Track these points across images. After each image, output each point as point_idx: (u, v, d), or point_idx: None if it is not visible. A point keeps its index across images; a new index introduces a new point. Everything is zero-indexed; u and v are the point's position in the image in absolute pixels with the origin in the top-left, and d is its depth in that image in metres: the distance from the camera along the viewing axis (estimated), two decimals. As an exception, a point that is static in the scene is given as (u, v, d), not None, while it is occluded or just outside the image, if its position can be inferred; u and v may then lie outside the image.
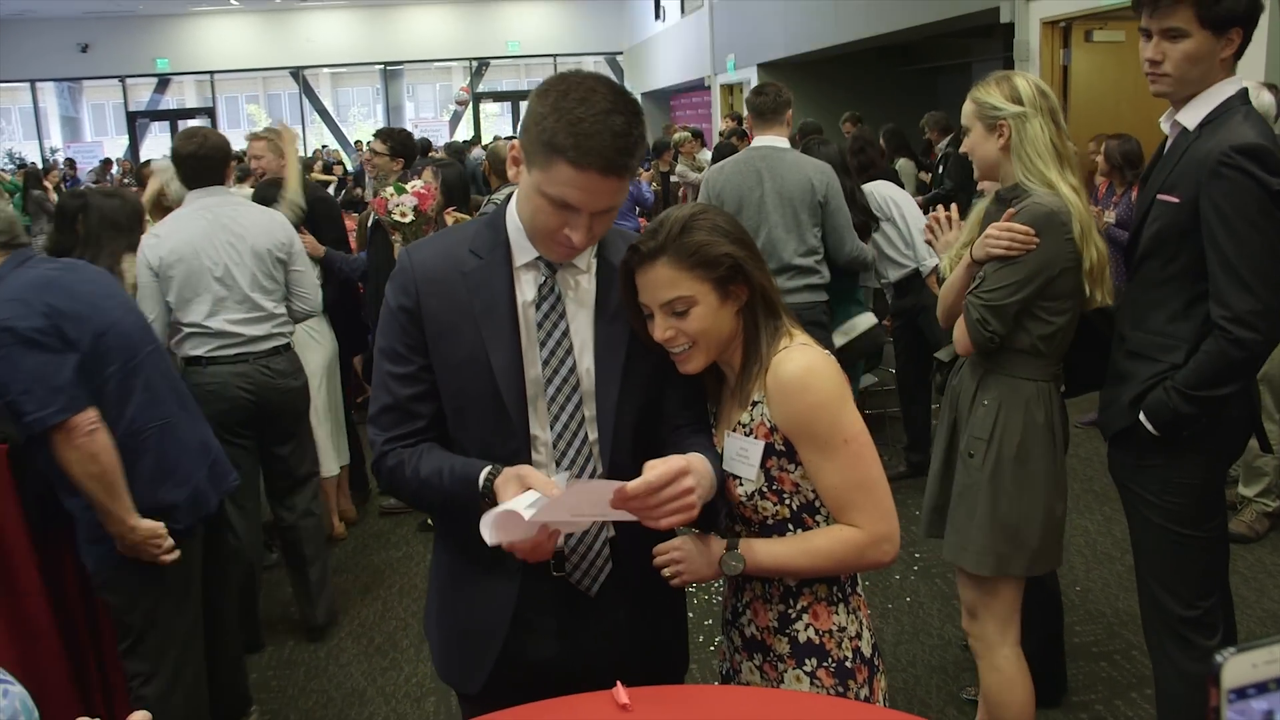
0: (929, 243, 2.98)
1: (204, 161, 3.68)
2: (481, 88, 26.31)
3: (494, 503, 1.60)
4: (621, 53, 25.34)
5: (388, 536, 5.00)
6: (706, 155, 11.46)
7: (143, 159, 21.84)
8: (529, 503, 1.52)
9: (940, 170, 9.00)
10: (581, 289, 1.76)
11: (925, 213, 6.29)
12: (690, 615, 3.96)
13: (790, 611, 1.76)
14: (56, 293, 2.46)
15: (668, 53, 20.81)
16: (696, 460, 1.60)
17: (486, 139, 20.30)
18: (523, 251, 1.74)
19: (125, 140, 24.82)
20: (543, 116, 1.57)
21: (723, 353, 1.75)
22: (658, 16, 20.95)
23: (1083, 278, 2.49)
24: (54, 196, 12.55)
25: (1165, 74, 2.34)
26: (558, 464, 1.74)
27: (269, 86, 28.74)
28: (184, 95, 26.95)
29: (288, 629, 4.10)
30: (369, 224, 5.27)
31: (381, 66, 25.73)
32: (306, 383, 3.96)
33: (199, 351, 3.64)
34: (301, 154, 11.98)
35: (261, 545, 3.92)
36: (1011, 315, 2.48)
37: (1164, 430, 2.38)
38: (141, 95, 25.54)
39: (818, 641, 1.74)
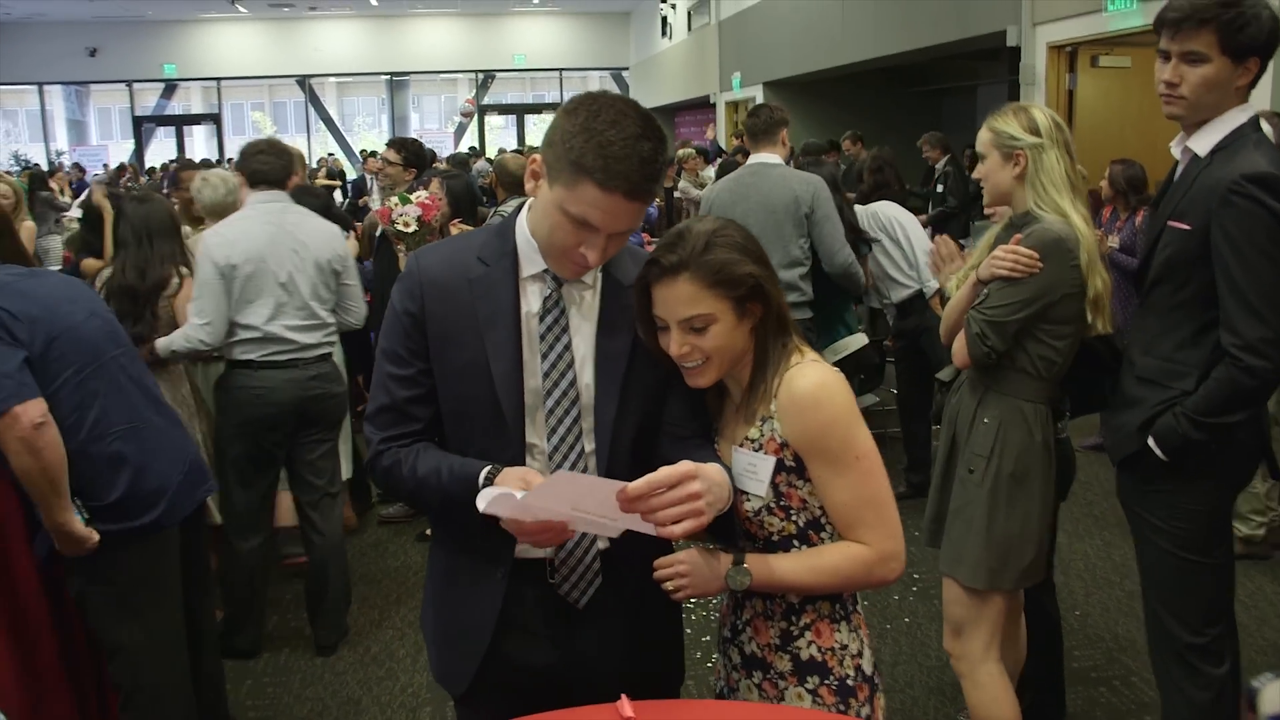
0: (932, 272, 3.05)
1: (270, 165, 3.73)
2: (487, 100, 26.40)
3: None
4: (627, 68, 25.44)
5: (386, 546, 4.99)
6: (710, 172, 11.49)
7: (147, 164, 21.98)
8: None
9: (940, 189, 9.03)
10: (586, 303, 1.76)
11: (930, 231, 6.32)
12: (687, 631, 3.97)
13: (793, 629, 1.75)
14: (8, 296, 2.46)
15: (673, 69, 20.89)
16: (710, 469, 1.59)
17: (491, 152, 20.35)
18: (530, 263, 1.74)
19: (130, 145, 24.90)
20: (571, 135, 1.57)
21: (732, 368, 1.75)
22: (664, 33, 21.03)
23: (1085, 306, 2.56)
24: (63, 198, 12.57)
25: (1181, 97, 2.35)
26: (557, 467, 1.75)
27: (275, 94, 28.84)
28: (190, 101, 27.04)
29: (284, 637, 4.08)
30: (375, 233, 5.29)
31: (387, 77, 25.84)
32: (346, 391, 3.98)
33: (251, 356, 3.64)
34: (308, 164, 12.00)
35: (265, 551, 3.89)
36: (1010, 333, 2.54)
37: (1172, 456, 2.38)
38: (148, 100, 25.63)
39: (820, 659, 1.74)
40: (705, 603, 4.25)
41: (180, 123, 25.68)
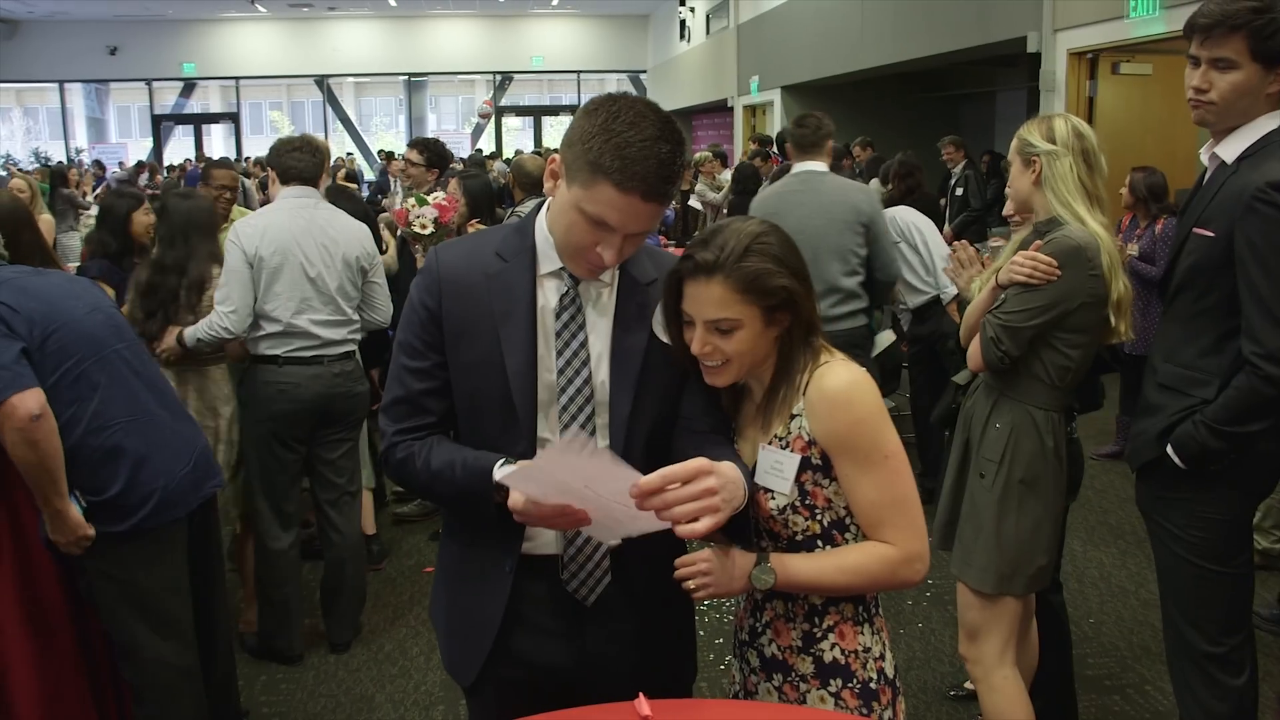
0: (951, 277, 3.06)
1: (304, 162, 3.76)
2: (504, 102, 26.46)
3: (506, 495, 1.62)
4: (645, 71, 25.46)
5: (399, 545, 5.00)
6: (726, 176, 11.48)
7: (166, 162, 22.11)
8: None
9: (961, 192, 9.01)
10: (602, 301, 1.77)
11: (958, 234, 6.31)
12: (700, 633, 3.97)
13: (815, 631, 1.74)
14: (6, 291, 2.48)
15: (691, 73, 20.89)
16: (725, 466, 1.58)
17: (508, 153, 20.39)
18: (548, 260, 1.76)
19: (149, 143, 25.05)
20: (590, 135, 1.59)
21: (753, 371, 1.75)
22: (682, 36, 21.04)
23: (1109, 310, 2.57)
24: (83, 197, 12.65)
25: (1210, 103, 2.34)
26: None
27: (293, 94, 28.98)
28: (209, 100, 27.19)
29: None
30: (397, 236, 5.31)
31: (405, 77, 25.91)
32: (369, 389, 3.99)
33: (276, 351, 3.66)
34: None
35: (298, 553, 3.90)
36: (1025, 339, 2.55)
37: (1191, 464, 2.38)
38: (167, 99, 25.78)
39: (843, 662, 1.73)
40: (718, 604, 4.25)
41: (199, 121, 25.82)
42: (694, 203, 11.54)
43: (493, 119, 26.04)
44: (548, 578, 1.79)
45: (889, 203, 5.47)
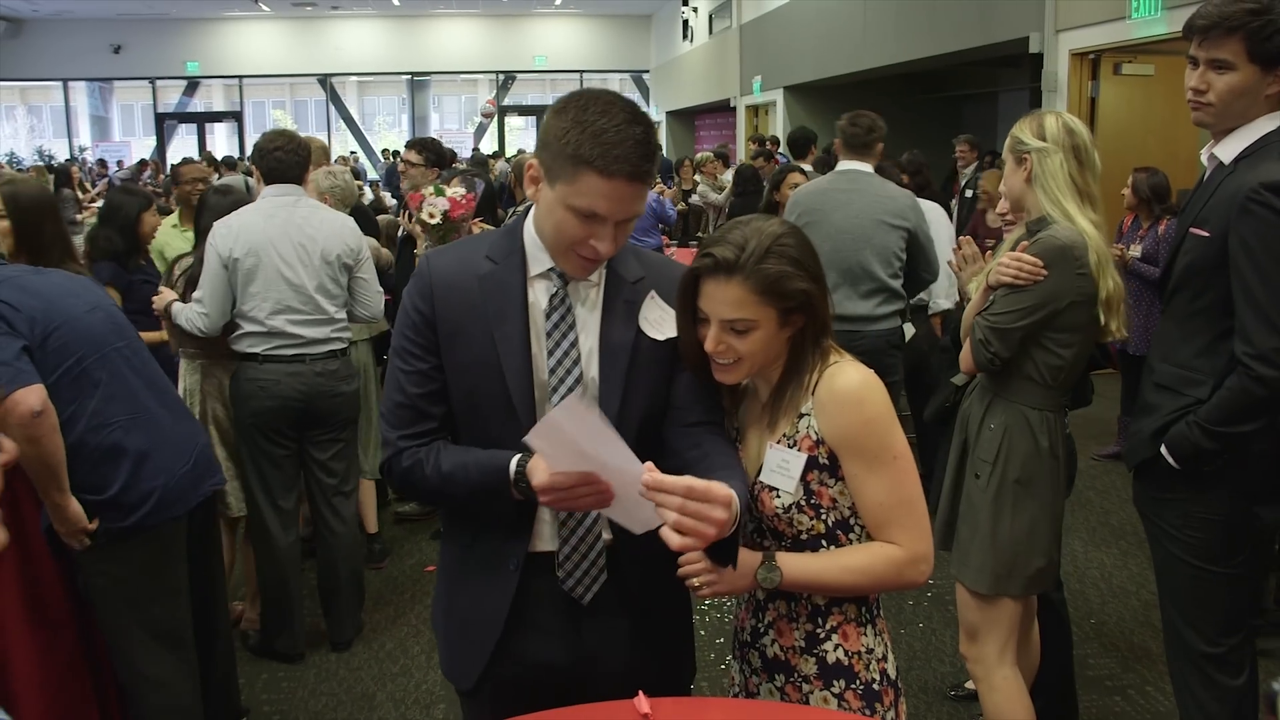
0: (955, 272, 3.05)
1: (286, 159, 3.75)
2: (507, 101, 26.46)
3: (528, 488, 1.63)
4: (648, 71, 25.46)
5: (401, 544, 5.00)
6: (728, 176, 11.49)
7: (170, 160, 22.12)
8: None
9: (971, 194, 9.00)
10: (591, 299, 1.79)
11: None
12: (700, 633, 3.98)
13: (819, 631, 1.75)
14: (7, 289, 2.48)
15: (694, 72, 20.89)
16: (737, 503, 1.54)
17: (510, 152, 20.40)
18: (537, 262, 1.78)
19: (153, 141, 25.06)
20: (565, 131, 1.61)
21: (762, 370, 1.76)
22: (685, 36, 21.03)
23: (1097, 308, 2.56)
24: (81, 195, 12.64)
25: (1208, 104, 2.35)
26: None
27: (296, 93, 28.97)
28: (212, 99, 27.20)
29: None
30: (399, 235, 5.33)
31: (408, 76, 25.92)
32: (358, 389, 3.98)
33: (256, 349, 3.67)
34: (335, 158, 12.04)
35: (299, 551, 3.91)
36: (1015, 340, 2.55)
37: (1185, 464, 2.38)
38: (170, 97, 25.81)
39: (846, 663, 1.74)
40: (719, 604, 4.25)
41: (202, 120, 25.83)
42: (696, 201, 11.55)
43: (495, 118, 26.04)
44: (547, 576, 1.79)
45: None
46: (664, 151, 21.08)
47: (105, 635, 2.73)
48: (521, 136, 26.62)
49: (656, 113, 24.46)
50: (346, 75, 26.07)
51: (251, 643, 3.91)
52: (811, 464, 1.70)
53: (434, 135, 21.33)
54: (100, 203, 8.37)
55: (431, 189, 4.58)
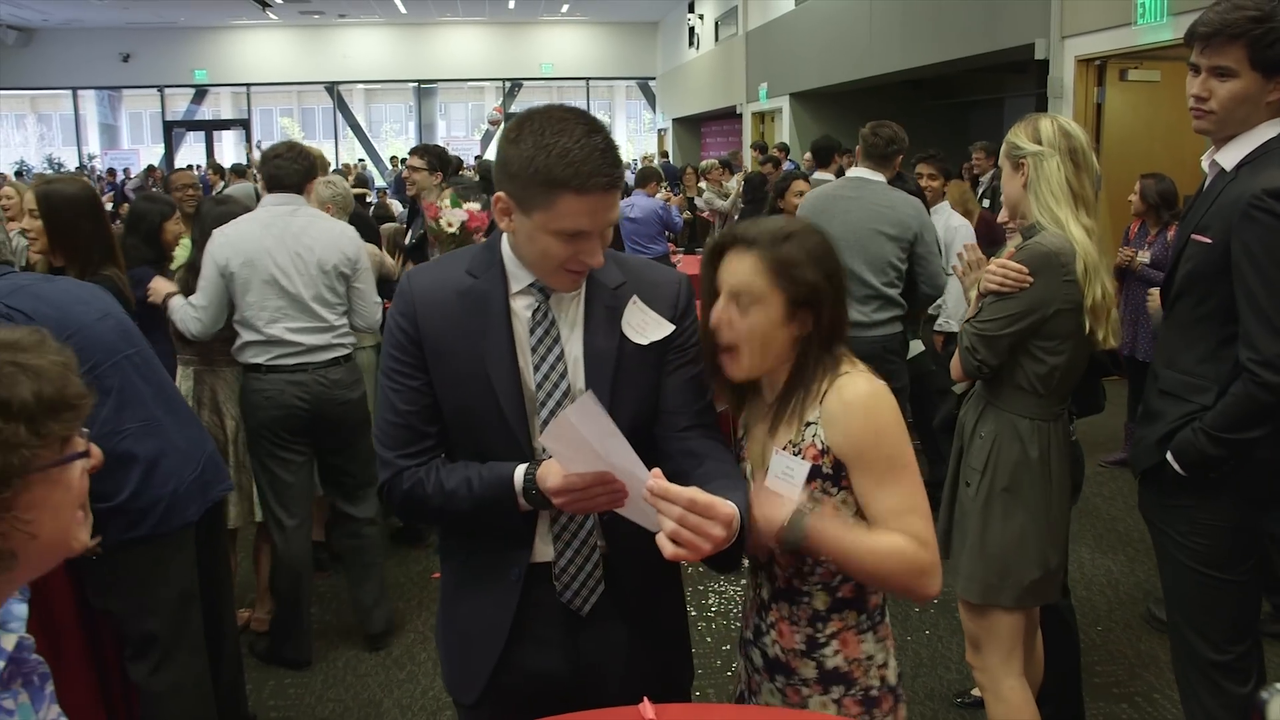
0: (959, 276, 3.03)
1: (286, 170, 3.78)
2: (514, 108, 26.50)
3: (540, 495, 1.65)
4: (654, 78, 25.50)
5: (408, 551, 5.01)
6: (733, 184, 11.51)
7: (177, 166, 22.21)
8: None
9: (988, 204, 8.99)
10: (573, 309, 1.79)
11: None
12: (707, 640, 3.98)
13: (819, 636, 1.75)
14: (20, 297, 2.49)
15: (700, 80, 20.92)
16: (738, 522, 1.54)
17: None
18: (517, 279, 1.77)
19: (161, 149, 25.16)
20: (529, 159, 1.60)
21: (765, 370, 1.76)
22: (691, 43, 21.08)
23: (1084, 316, 2.52)
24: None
25: (1210, 111, 2.34)
26: None
27: (304, 100, 29.07)
28: (220, 106, 27.30)
29: (306, 638, 4.11)
30: (407, 243, 5.35)
31: (415, 84, 26.00)
32: (365, 394, 4.00)
33: (259, 360, 3.69)
34: (334, 167, 12.10)
35: (310, 554, 3.92)
36: (1003, 347, 2.53)
37: (1191, 471, 2.38)
38: (178, 105, 25.92)
39: (846, 669, 1.74)
40: (725, 610, 4.25)
41: (210, 128, 25.95)
42: (700, 205, 11.56)
43: (502, 125, 26.09)
44: (545, 585, 1.80)
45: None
46: (670, 159, 21.14)
47: (117, 642, 2.74)
48: (528, 144, 26.62)
49: (663, 119, 24.50)
50: (354, 83, 26.16)
51: (258, 649, 3.92)
52: (815, 472, 1.70)
53: (441, 142, 21.37)
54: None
55: (448, 200, 4.60)
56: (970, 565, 2.63)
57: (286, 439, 3.72)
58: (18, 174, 20.22)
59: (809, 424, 1.71)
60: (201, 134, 25.80)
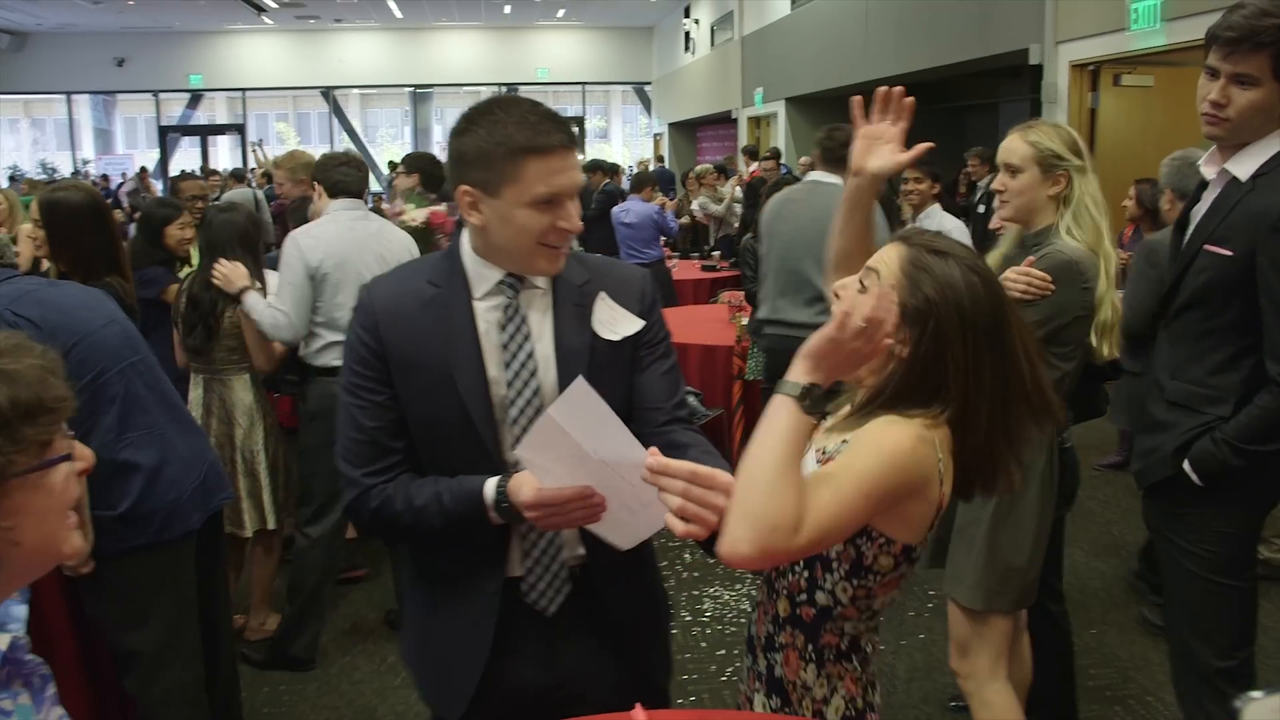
0: None
1: (351, 177, 3.87)
2: (509, 113, 26.50)
3: (512, 507, 1.63)
4: (650, 83, 25.52)
5: (399, 557, 4.99)
6: (726, 189, 11.52)
7: (172, 172, 22.20)
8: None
9: (983, 210, 9.00)
10: (541, 306, 1.80)
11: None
12: (703, 645, 3.98)
13: (776, 638, 1.71)
14: (26, 303, 2.48)
15: (696, 84, 20.94)
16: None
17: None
18: (481, 281, 1.77)
19: (156, 154, 25.12)
20: (486, 140, 1.64)
21: (860, 370, 1.58)
22: (687, 48, 21.10)
23: (1091, 329, 2.54)
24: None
25: (1227, 119, 2.29)
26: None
27: (299, 105, 29.03)
28: (215, 111, 27.26)
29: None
30: None
31: (411, 89, 26.00)
32: None
33: (340, 362, 3.70)
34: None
35: (338, 557, 3.94)
36: None
37: (1208, 480, 2.37)
38: (173, 110, 25.89)
39: (784, 685, 1.70)
40: (721, 615, 4.25)
41: (205, 133, 25.89)
42: (696, 211, 11.57)
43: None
44: (518, 597, 1.80)
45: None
46: (666, 163, 21.16)
47: (114, 650, 2.72)
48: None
49: (659, 124, 24.51)
50: (349, 88, 26.15)
51: (258, 654, 3.91)
52: None
53: (436, 147, 21.30)
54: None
55: (411, 205, 4.64)
56: (976, 574, 2.62)
57: None
58: (11, 179, 20.18)
59: (845, 440, 1.60)
60: (196, 139, 25.76)
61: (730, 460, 1.73)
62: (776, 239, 4.52)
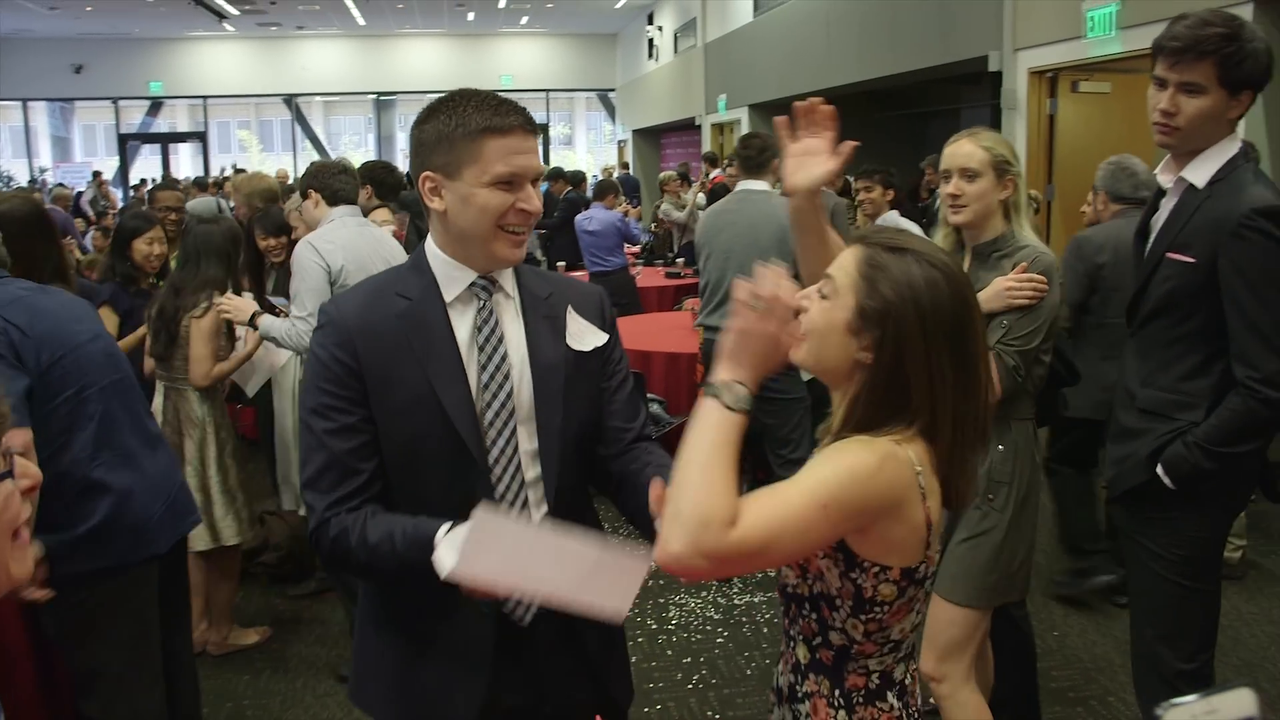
0: None
1: (348, 185, 3.93)
2: (474, 120, 26.44)
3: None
4: (614, 90, 25.54)
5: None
6: (689, 195, 11.55)
7: (133, 181, 21.93)
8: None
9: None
10: (510, 312, 1.79)
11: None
12: (669, 653, 3.98)
13: (799, 689, 1.62)
14: (16, 309, 2.42)
15: (659, 91, 20.98)
16: None
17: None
18: (453, 284, 1.75)
19: (115, 162, 24.82)
20: (446, 125, 1.67)
21: (831, 381, 1.57)
22: (650, 55, 21.13)
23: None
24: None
25: (1177, 127, 2.34)
26: (497, 480, 1.74)
27: (261, 113, 28.84)
28: (176, 119, 27.02)
29: (265, 659, 4.06)
30: None
31: (374, 96, 25.87)
32: None
33: None
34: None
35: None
36: (1034, 359, 2.61)
37: (1181, 484, 2.39)
38: (133, 117, 25.58)
39: None
40: (686, 623, 4.26)
41: (166, 140, 25.63)
42: (661, 215, 11.58)
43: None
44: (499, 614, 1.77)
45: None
46: (630, 170, 21.17)
47: (75, 673, 2.66)
48: (488, 155, 26.56)
49: (623, 131, 24.53)
50: (312, 95, 25.96)
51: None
52: None
53: (400, 154, 21.17)
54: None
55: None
56: (988, 576, 2.64)
57: None
58: (-32, 188, 19.88)
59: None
60: (157, 147, 25.48)
61: None
62: (715, 251, 4.61)
